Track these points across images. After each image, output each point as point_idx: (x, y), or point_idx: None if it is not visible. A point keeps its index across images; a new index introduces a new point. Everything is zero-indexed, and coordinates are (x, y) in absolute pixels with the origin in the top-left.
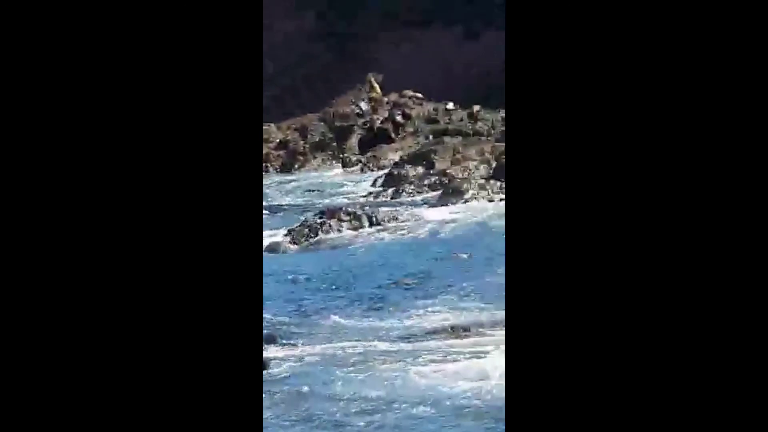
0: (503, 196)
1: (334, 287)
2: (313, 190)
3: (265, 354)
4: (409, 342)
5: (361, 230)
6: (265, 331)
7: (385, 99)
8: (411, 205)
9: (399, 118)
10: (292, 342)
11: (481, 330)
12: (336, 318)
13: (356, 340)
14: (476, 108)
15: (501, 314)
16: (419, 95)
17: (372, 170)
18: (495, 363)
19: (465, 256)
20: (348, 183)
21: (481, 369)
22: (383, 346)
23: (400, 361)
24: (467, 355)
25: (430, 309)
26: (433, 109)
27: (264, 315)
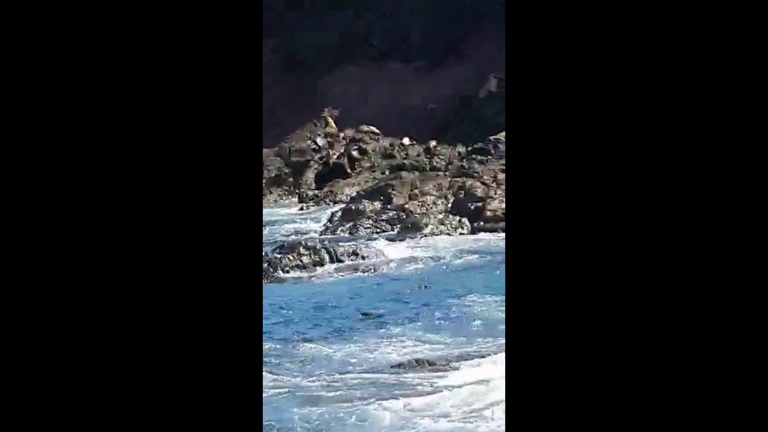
0: (462, 231)
1: (296, 320)
2: (270, 225)
3: None
4: (374, 374)
5: (322, 267)
6: None
7: (341, 134)
8: (369, 240)
9: (355, 153)
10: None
11: (445, 364)
12: (304, 348)
13: (322, 373)
14: (433, 143)
15: (466, 348)
16: (375, 130)
17: (329, 205)
18: (456, 400)
19: (428, 289)
20: (305, 218)
21: (443, 406)
22: (349, 378)
23: (364, 396)
24: (430, 390)
25: (394, 342)
26: (390, 145)
27: None
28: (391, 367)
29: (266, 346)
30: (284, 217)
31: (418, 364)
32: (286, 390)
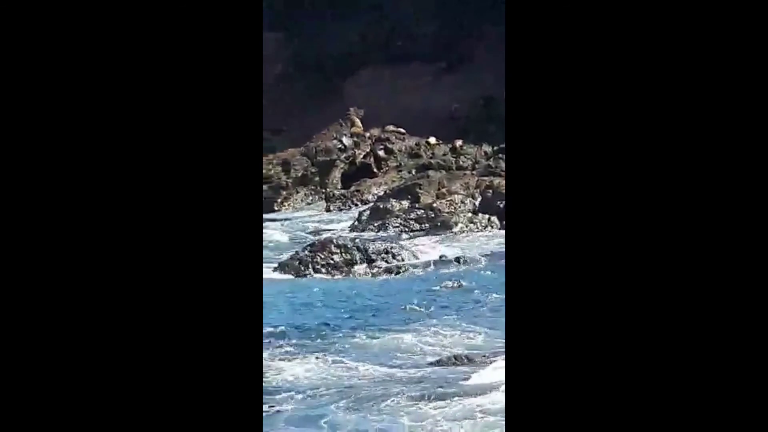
0: (492, 229)
1: (336, 313)
2: (298, 224)
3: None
4: (412, 369)
5: (353, 266)
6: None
7: (367, 134)
8: (398, 239)
9: (381, 153)
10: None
11: (482, 360)
12: (346, 341)
13: (358, 366)
14: (459, 142)
15: (502, 343)
16: (401, 130)
17: (356, 204)
18: (483, 401)
19: (462, 287)
20: (333, 217)
21: (467, 408)
22: (387, 372)
23: (399, 393)
24: (463, 390)
25: (434, 338)
26: (416, 144)
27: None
28: (429, 364)
29: (307, 339)
30: (312, 216)
31: (457, 360)
32: (322, 387)
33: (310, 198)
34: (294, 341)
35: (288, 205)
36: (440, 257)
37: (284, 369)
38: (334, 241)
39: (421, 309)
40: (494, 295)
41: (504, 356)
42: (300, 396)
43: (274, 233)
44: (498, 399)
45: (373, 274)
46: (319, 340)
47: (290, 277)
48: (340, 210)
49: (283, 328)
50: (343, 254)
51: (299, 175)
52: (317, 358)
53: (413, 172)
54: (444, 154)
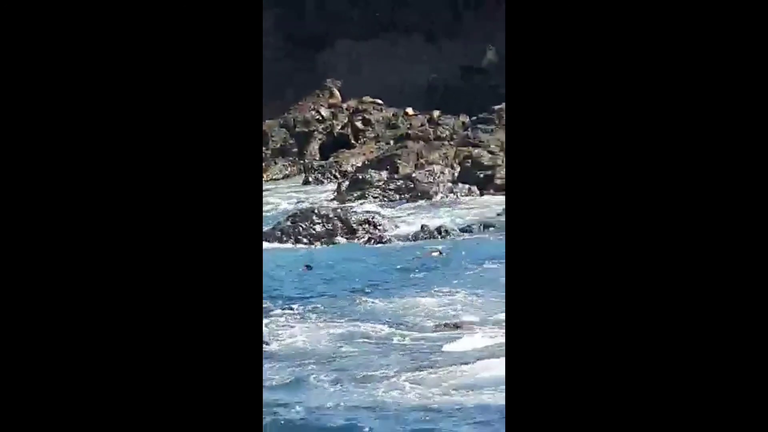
0: (472, 198)
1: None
2: (278, 195)
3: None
4: (405, 336)
5: (335, 236)
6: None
7: (345, 105)
8: (380, 208)
9: (359, 124)
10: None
11: (474, 327)
12: (351, 307)
13: (362, 325)
14: (436, 113)
15: (497, 311)
16: (379, 101)
17: (334, 176)
18: (480, 368)
19: (447, 256)
20: (312, 187)
21: (461, 380)
22: (383, 336)
23: (385, 366)
24: (445, 360)
25: (430, 302)
26: (393, 115)
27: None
28: (420, 330)
29: (313, 304)
30: (291, 187)
31: (446, 327)
32: (317, 353)
33: (288, 169)
34: (293, 308)
35: (266, 176)
36: (422, 227)
37: (282, 337)
38: (316, 211)
39: (412, 276)
40: (485, 264)
41: (491, 325)
42: (290, 366)
43: (281, 203)
44: (480, 369)
45: (357, 242)
46: (320, 306)
47: (291, 246)
48: (319, 181)
49: (275, 296)
50: (325, 224)
51: (277, 146)
52: (318, 325)
53: (391, 143)
54: (422, 125)
